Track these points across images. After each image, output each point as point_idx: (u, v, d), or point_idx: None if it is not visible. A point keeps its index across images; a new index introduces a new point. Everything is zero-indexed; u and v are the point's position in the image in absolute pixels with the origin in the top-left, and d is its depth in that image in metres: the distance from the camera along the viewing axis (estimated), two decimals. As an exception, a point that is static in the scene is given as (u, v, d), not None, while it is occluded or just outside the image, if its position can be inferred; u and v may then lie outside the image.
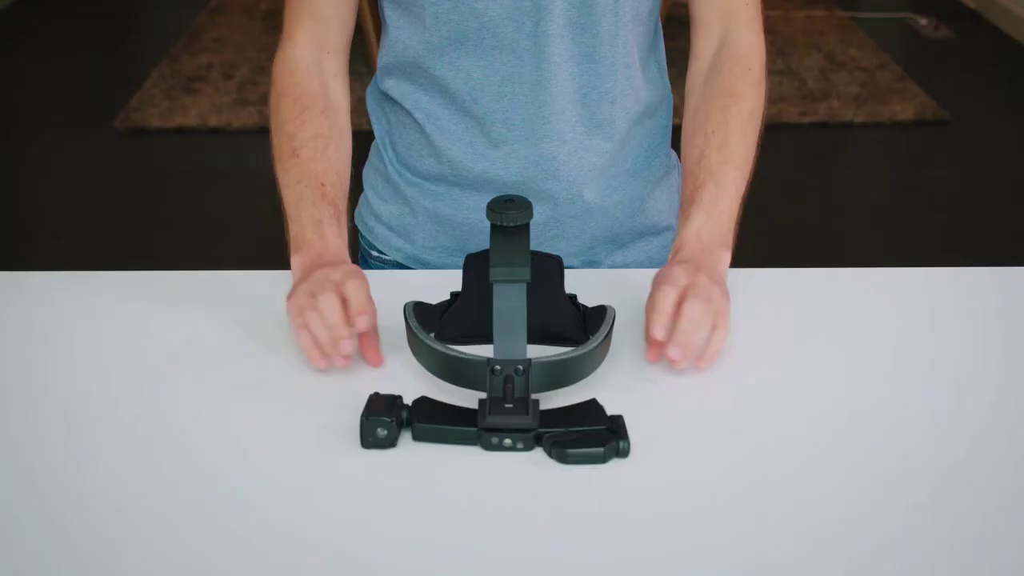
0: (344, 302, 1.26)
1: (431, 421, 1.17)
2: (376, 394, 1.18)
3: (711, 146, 1.44)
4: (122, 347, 1.35)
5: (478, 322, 1.26)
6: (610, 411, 1.18)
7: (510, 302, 1.19)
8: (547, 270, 1.31)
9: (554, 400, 1.22)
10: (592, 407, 1.19)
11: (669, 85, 1.63)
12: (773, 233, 3.82)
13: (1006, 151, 4.63)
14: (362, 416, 1.15)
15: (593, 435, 1.14)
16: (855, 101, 5.03)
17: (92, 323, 1.39)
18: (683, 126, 1.51)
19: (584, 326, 1.31)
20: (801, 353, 1.34)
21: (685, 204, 1.42)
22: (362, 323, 1.26)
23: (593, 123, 1.51)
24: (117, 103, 5.02)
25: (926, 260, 3.67)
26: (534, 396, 1.18)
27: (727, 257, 1.37)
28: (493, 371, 1.17)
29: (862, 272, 1.52)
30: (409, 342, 1.25)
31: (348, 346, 1.25)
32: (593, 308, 1.32)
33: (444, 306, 1.34)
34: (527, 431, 1.15)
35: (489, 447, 1.15)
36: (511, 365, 1.18)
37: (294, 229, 1.39)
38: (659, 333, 1.25)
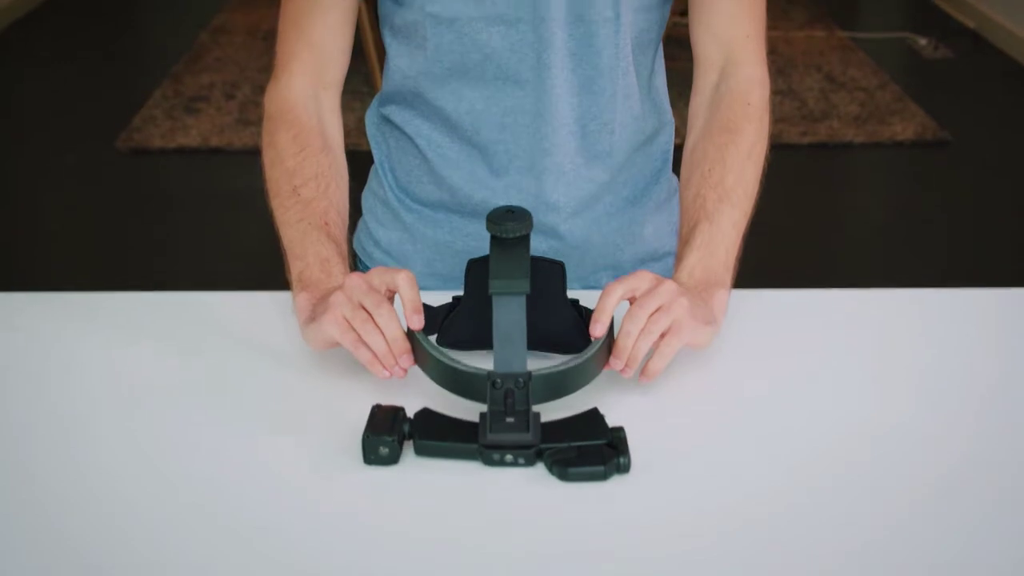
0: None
1: (432, 437, 1.17)
2: (378, 406, 1.18)
3: (708, 184, 1.42)
4: (121, 368, 1.35)
5: (480, 327, 1.26)
6: (611, 419, 1.18)
7: (510, 314, 1.20)
8: (549, 276, 1.30)
9: (556, 408, 1.22)
10: (593, 418, 1.19)
11: (670, 110, 1.62)
12: (773, 254, 3.83)
13: (1007, 171, 4.63)
14: (364, 434, 1.15)
15: (594, 451, 1.14)
16: (855, 121, 5.04)
17: (91, 345, 1.39)
18: (682, 164, 1.50)
19: (587, 331, 1.31)
20: (802, 373, 1.34)
21: (680, 246, 1.41)
22: (416, 322, 1.24)
23: (592, 154, 1.51)
24: (119, 123, 5.03)
25: (927, 281, 3.67)
26: (535, 409, 1.18)
27: (723, 294, 1.35)
28: (493, 384, 1.18)
29: (863, 293, 1.52)
30: (412, 349, 1.25)
31: (410, 360, 1.24)
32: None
33: (446, 309, 1.34)
34: (528, 447, 1.15)
35: (490, 463, 1.16)
36: (511, 378, 1.18)
37: (298, 267, 1.36)
38: (596, 331, 1.24)
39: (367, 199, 1.66)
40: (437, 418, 1.19)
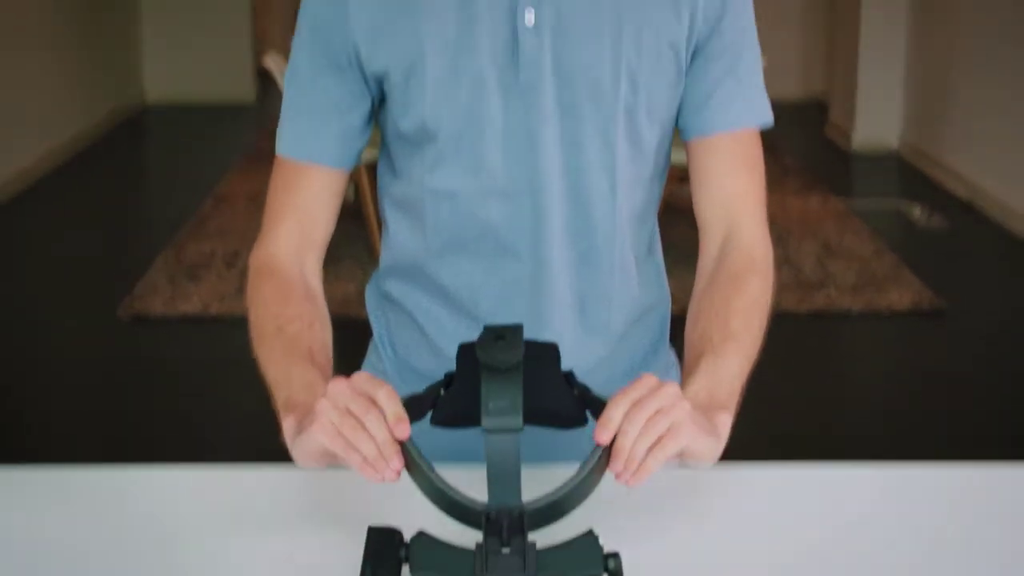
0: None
1: (430, 569, 1.15)
2: (374, 532, 1.17)
3: (713, 326, 1.42)
4: (120, 546, 1.32)
5: (473, 407, 1.22)
6: (605, 536, 1.16)
7: (503, 451, 1.18)
8: (542, 358, 1.29)
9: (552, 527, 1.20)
10: (588, 544, 1.16)
11: (667, 282, 1.63)
12: (772, 420, 3.81)
13: (1002, 340, 4.65)
14: (362, 571, 1.13)
15: None
16: (852, 290, 5.07)
17: (87, 522, 1.37)
18: (688, 311, 1.50)
19: (582, 403, 1.29)
20: (800, 548, 1.33)
21: (684, 377, 1.40)
22: (402, 432, 1.22)
23: (590, 326, 1.52)
24: (121, 290, 5.06)
25: (923, 450, 3.66)
26: (531, 539, 1.15)
27: (726, 418, 1.32)
28: (488, 518, 1.16)
29: (860, 468, 1.50)
30: (407, 466, 1.23)
31: (400, 462, 1.21)
32: (596, 395, 1.29)
33: (436, 389, 1.32)
34: None
35: None
36: (506, 513, 1.16)
37: (284, 394, 1.35)
38: (600, 437, 1.22)
39: (365, 372, 1.66)
40: (434, 546, 1.17)
